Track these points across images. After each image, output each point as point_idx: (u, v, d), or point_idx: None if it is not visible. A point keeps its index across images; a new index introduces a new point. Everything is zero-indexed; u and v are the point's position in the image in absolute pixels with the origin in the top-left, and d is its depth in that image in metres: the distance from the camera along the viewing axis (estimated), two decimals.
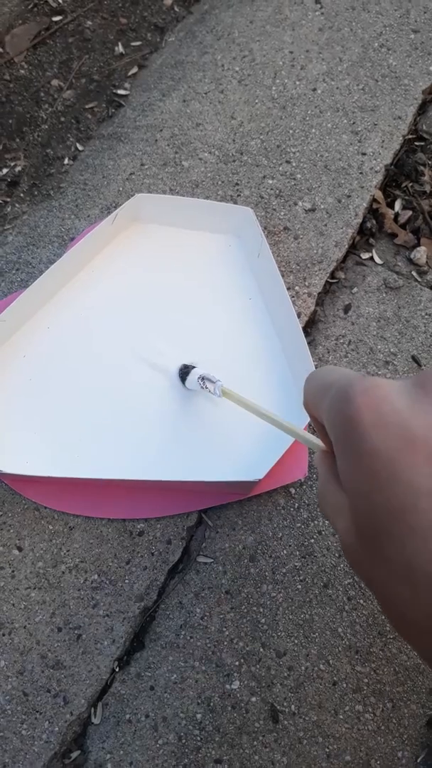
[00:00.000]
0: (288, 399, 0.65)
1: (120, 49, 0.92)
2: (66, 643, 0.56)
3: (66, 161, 0.82)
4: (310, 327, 0.71)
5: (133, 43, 0.92)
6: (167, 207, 0.71)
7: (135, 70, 0.90)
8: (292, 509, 0.62)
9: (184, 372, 0.64)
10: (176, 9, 0.95)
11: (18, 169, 0.82)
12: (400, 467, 0.27)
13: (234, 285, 0.71)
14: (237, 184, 0.77)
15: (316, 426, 0.36)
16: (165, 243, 0.73)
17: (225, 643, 0.57)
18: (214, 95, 0.83)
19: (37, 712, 0.54)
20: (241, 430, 0.63)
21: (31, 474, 0.58)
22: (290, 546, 0.60)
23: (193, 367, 0.64)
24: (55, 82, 0.89)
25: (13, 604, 0.57)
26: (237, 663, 0.56)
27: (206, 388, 0.61)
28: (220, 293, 0.70)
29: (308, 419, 0.61)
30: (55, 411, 0.64)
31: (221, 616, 0.58)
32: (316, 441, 0.40)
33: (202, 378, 0.61)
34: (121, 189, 0.77)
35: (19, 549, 0.59)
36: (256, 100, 0.83)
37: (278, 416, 0.50)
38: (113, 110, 0.86)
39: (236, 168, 0.78)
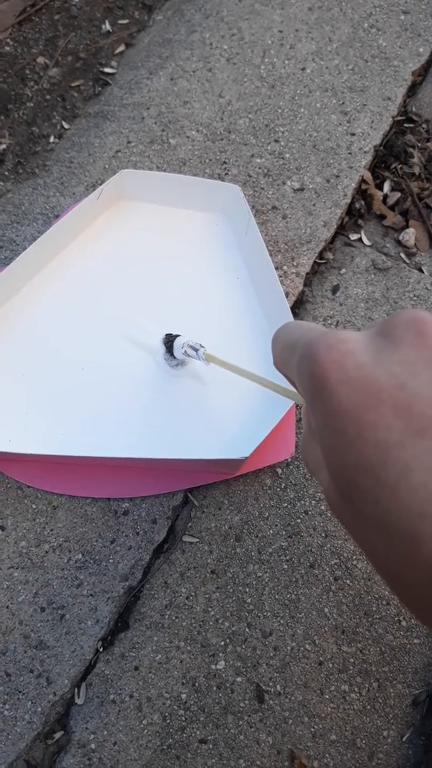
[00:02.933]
0: (275, 378, 0.64)
1: (107, 27, 0.91)
2: (49, 623, 0.55)
3: (51, 139, 0.81)
4: (297, 307, 0.70)
5: (121, 21, 0.91)
6: (153, 184, 0.70)
7: (122, 48, 0.89)
8: (278, 489, 0.61)
9: (169, 341, 0.63)
10: None
11: (2, 147, 0.81)
12: (367, 423, 0.26)
13: (221, 264, 0.70)
14: (225, 162, 0.76)
15: (292, 384, 0.36)
16: (151, 221, 0.72)
17: (210, 623, 0.56)
18: (202, 73, 0.82)
19: (20, 692, 0.53)
20: (228, 408, 0.62)
21: (14, 451, 0.57)
22: (276, 526, 0.60)
23: (177, 335, 0.63)
24: (40, 60, 0.87)
25: None
26: (222, 643, 0.56)
27: (190, 355, 0.60)
28: (208, 272, 0.69)
29: (291, 403, 0.60)
30: (39, 390, 0.63)
31: (207, 596, 0.57)
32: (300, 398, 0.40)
33: (185, 346, 0.61)
34: (107, 166, 0.76)
35: (2, 528, 0.58)
36: (245, 79, 0.82)
37: (264, 376, 0.50)
38: (100, 88, 0.85)
39: (224, 146, 0.77)
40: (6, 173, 0.78)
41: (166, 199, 0.71)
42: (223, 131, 0.78)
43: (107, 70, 0.86)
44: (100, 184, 0.71)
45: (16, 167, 0.79)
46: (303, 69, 0.83)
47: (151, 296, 0.68)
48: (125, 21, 0.91)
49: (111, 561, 0.57)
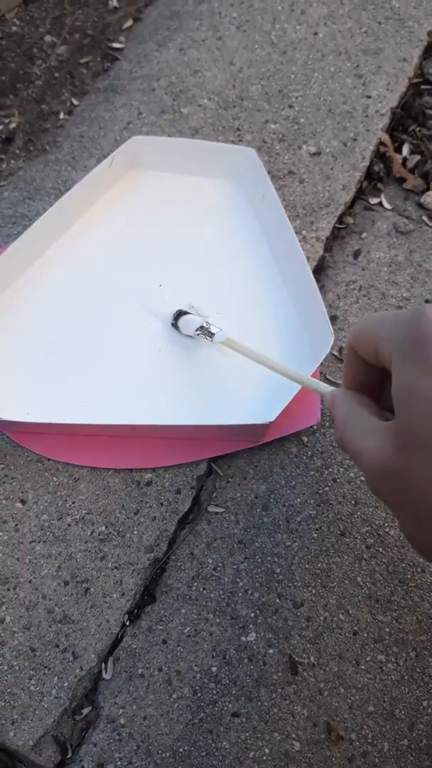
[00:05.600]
0: (298, 343, 0.62)
1: (114, 3, 0.89)
2: (74, 597, 0.54)
3: (61, 116, 0.80)
4: (319, 273, 0.68)
5: None
6: (165, 150, 0.68)
7: (130, 23, 0.87)
8: (305, 457, 0.60)
9: (175, 319, 0.63)
10: None
11: (12, 125, 0.79)
12: None
13: (238, 230, 0.68)
14: (238, 129, 0.74)
15: (353, 361, 0.39)
16: (165, 190, 0.70)
17: (239, 594, 0.55)
18: (211, 42, 0.81)
19: (46, 667, 0.51)
20: (251, 374, 0.60)
21: (33, 421, 0.56)
22: (304, 494, 0.58)
23: (187, 312, 0.63)
24: (48, 38, 0.86)
25: (18, 559, 0.55)
26: (252, 614, 0.54)
27: (204, 336, 0.61)
28: (224, 239, 0.68)
29: (315, 367, 0.58)
30: (57, 361, 0.61)
31: (234, 567, 0.55)
32: (323, 387, 0.44)
33: (201, 329, 0.61)
34: (118, 138, 0.74)
35: (23, 502, 0.57)
36: (256, 46, 0.80)
37: (282, 364, 0.52)
38: (108, 64, 0.84)
39: (237, 113, 0.75)
40: (17, 151, 0.77)
41: (180, 167, 0.69)
42: (236, 98, 0.76)
43: (115, 45, 0.85)
44: None
45: (26, 145, 0.78)
46: (315, 33, 0.81)
47: (167, 265, 0.66)
48: None
49: (135, 533, 0.56)
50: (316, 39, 0.81)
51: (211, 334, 0.60)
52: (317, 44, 0.80)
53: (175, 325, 0.63)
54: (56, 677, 0.51)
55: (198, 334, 0.61)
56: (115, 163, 0.67)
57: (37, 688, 0.51)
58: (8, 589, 0.54)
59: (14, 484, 0.57)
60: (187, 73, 0.79)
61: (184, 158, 0.69)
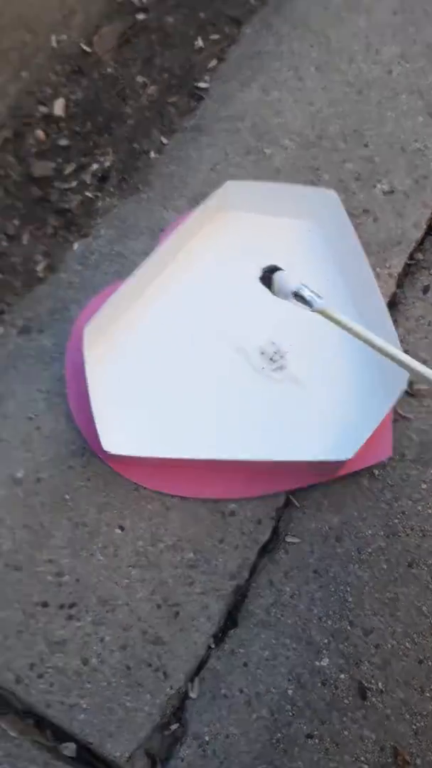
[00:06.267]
0: (372, 379, 0.66)
1: (199, 43, 0.93)
2: (165, 620, 0.59)
3: (152, 154, 0.84)
4: (391, 309, 0.71)
5: (212, 37, 0.94)
6: (253, 193, 0.73)
7: (214, 63, 0.91)
8: (375, 490, 0.63)
9: (266, 276, 0.59)
10: (252, 1, 0.96)
11: (107, 164, 0.85)
12: None
13: (317, 269, 0.72)
14: (317, 168, 0.78)
15: None
16: (249, 231, 0.74)
17: (314, 621, 0.59)
18: (292, 83, 0.84)
19: (140, 685, 0.57)
20: (326, 410, 0.65)
21: (135, 455, 0.61)
22: (375, 526, 0.62)
23: (279, 269, 0.59)
24: (139, 79, 0.91)
25: (116, 582, 0.60)
26: (326, 640, 0.58)
27: (298, 302, 0.57)
28: (304, 277, 0.71)
29: (392, 402, 0.61)
30: (156, 397, 0.67)
31: (310, 595, 0.59)
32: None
33: (296, 295, 0.57)
34: (206, 179, 0.79)
35: (121, 528, 0.62)
36: (333, 86, 0.83)
37: (381, 340, 0.54)
38: (195, 103, 0.88)
39: (316, 153, 0.79)
40: (111, 189, 0.82)
41: (264, 208, 0.74)
42: (315, 138, 0.80)
43: (201, 84, 0.89)
44: (201, 197, 0.74)
45: (120, 183, 0.83)
46: (389, 72, 0.84)
47: (251, 304, 0.70)
48: (216, 36, 0.94)
49: (220, 560, 0.61)
50: (390, 78, 0.83)
51: (307, 302, 0.57)
52: (391, 83, 0.83)
53: (266, 280, 0.59)
54: (149, 695, 0.56)
55: (291, 299, 0.58)
56: (207, 206, 0.71)
57: (132, 704, 0.56)
58: (107, 611, 0.59)
59: (114, 511, 0.63)
60: (270, 113, 0.82)
61: (269, 200, 0.73)
